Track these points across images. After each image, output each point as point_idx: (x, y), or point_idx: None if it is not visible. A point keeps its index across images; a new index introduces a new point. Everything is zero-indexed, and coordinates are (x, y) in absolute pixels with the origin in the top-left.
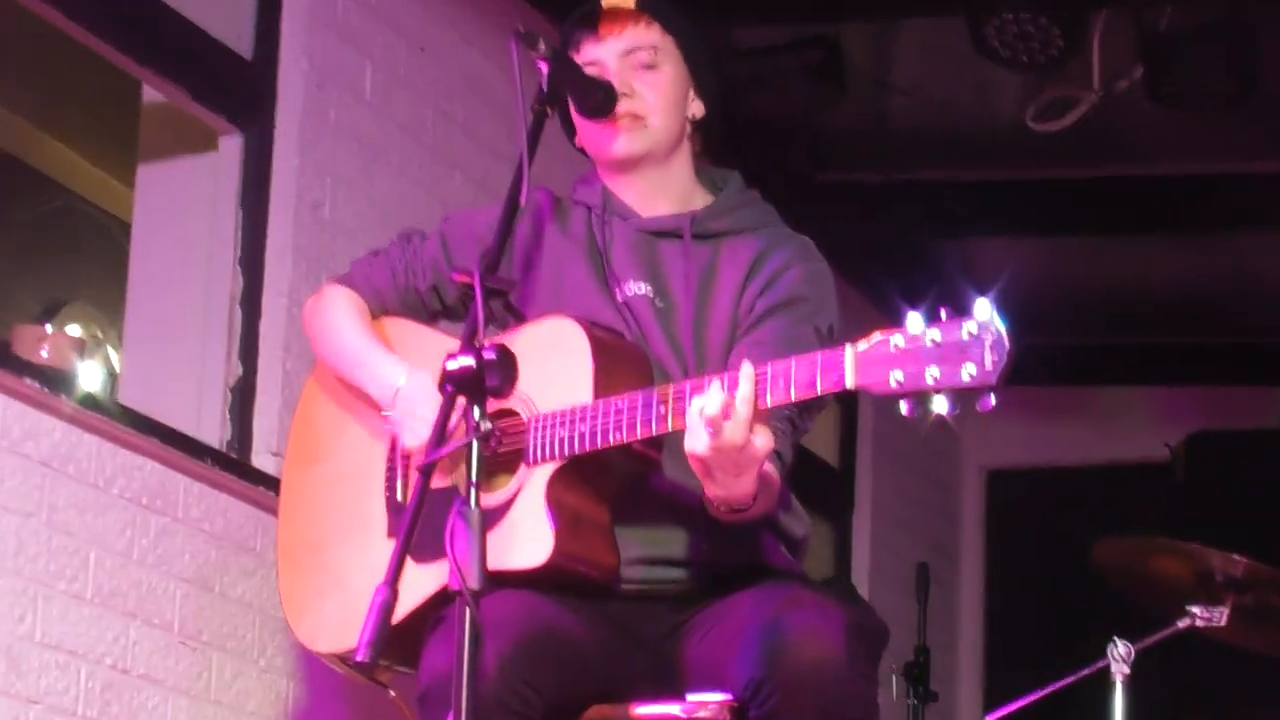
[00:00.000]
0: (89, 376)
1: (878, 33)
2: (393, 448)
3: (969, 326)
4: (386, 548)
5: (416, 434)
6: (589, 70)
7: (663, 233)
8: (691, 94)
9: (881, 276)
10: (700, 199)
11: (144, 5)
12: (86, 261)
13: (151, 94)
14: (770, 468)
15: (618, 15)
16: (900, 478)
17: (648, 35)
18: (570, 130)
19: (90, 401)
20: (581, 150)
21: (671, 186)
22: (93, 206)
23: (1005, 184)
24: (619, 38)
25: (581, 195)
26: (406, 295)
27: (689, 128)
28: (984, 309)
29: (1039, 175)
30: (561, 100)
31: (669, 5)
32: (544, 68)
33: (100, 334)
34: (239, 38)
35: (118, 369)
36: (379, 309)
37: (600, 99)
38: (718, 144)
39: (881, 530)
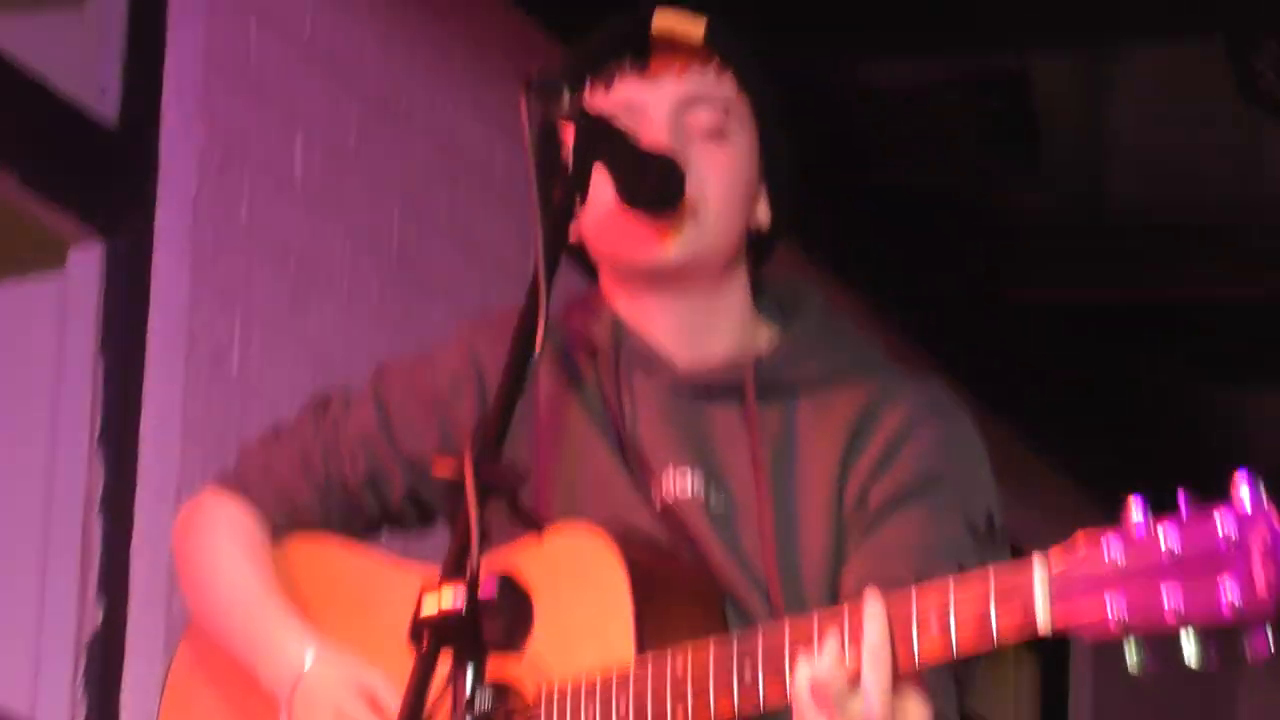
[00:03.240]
0: None
1: (1086, 67)
2: None
3: (1225, 522)
4: None
5: None
6: (621, 116)
7: (712, 390)
8: (761, 189)
9: (1082, 439)
10: (763, 335)
11: None
12: None
13: None
14: None
15: (675, 46)
16: None
17: (719, 87)
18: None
19: None
20: (571, 251)
21: (722, 318)
22: None
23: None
24: (679, 79)
25: (579, 328)
26: (328, 497)
27: (747, 240)
28: (1246, 492)
29: None
30: (586, 178)
31: (745, 46)
32: (569, 132)
33: None
34: (99, 93)
35: None
36: (285, 522)
37: (661, 182)
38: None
39: None
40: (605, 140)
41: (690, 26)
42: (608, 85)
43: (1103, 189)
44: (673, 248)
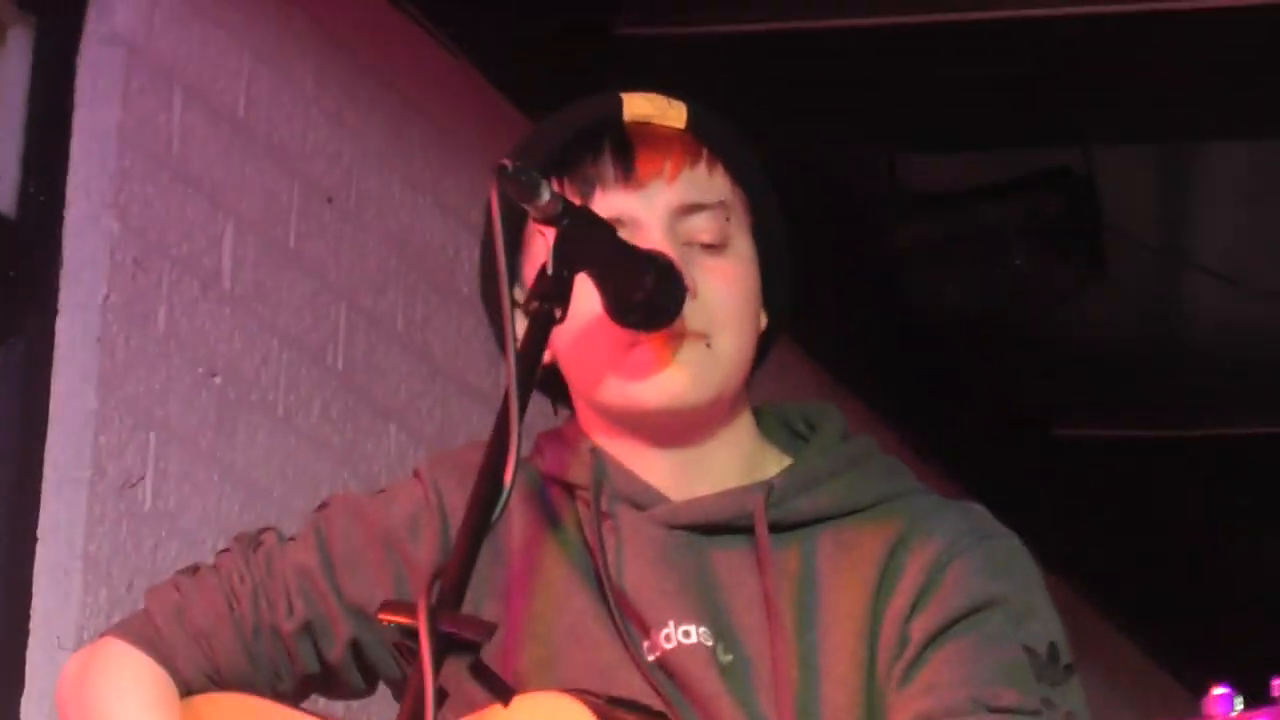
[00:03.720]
0: None
1: (1162, 161)
2: None
3: None
4: None
5: None
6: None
7: (715, 527)
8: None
9: (1166, 608)
10: (772, 463)
11: None
12: None
13: None
14: None
15: (657, 140)
16: None
17: (713, 188)
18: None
19: None
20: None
21: (725, 450)
22: None
23: None
24: (671, 185)
25: (554, 466)
26: (255, 647)
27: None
28: None
29: None
30: (567, 288)
31: (731, 129)
32: (547, 234)
33: None
34: None
35: None
36: (199, 676)
37: (657, 289)
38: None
39: None
40: (594, 243)
41: (669, 111)
42: (585, 194)
43: (1186, 310)
44: (685, 383)
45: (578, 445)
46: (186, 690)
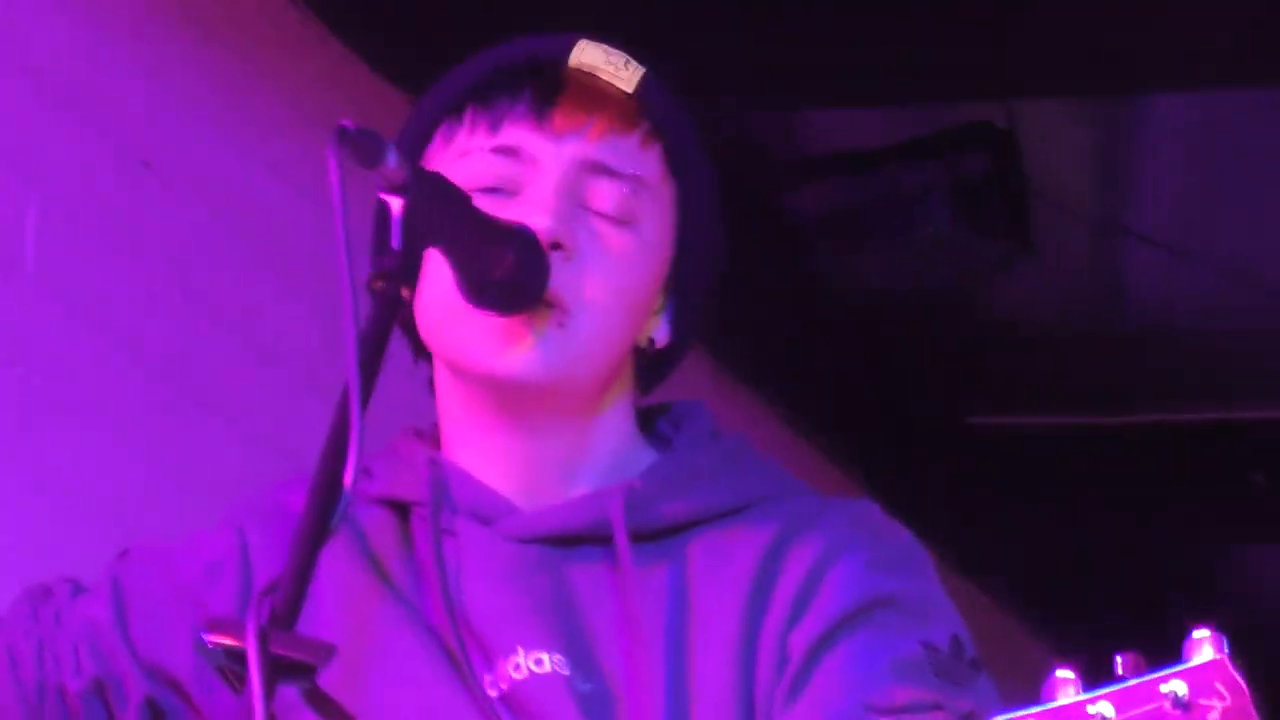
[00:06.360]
0: None
1: (1096, 116)
2: None
3: (1176, 687)
4: None
5: None
6: (485, 165)
7: (570, 539)
8: (660, 299)
9: (1047, 585)
10: (636, 460)
11: None
12: None
13: None
14: None
15: (595, 95)
16: None
17: (636, 162)
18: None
19: None
20: (406, 331)
21: (589, 456)
22: None
23: None
24: (588, 141)
25: (385, 485)
26: (39, 708)
27: (633, 358)
28: (1207, 646)
29: None
30: (415, 264)
31: (686, 114)
32: (394, 205)
33: None
34: None
35: None
36: None
37: (518, 267)
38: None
39: None
40: (444, 217)
41: (622, 71)
42: (493, 124)
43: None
44: (528, 357)
45: (412, 460)
46: None
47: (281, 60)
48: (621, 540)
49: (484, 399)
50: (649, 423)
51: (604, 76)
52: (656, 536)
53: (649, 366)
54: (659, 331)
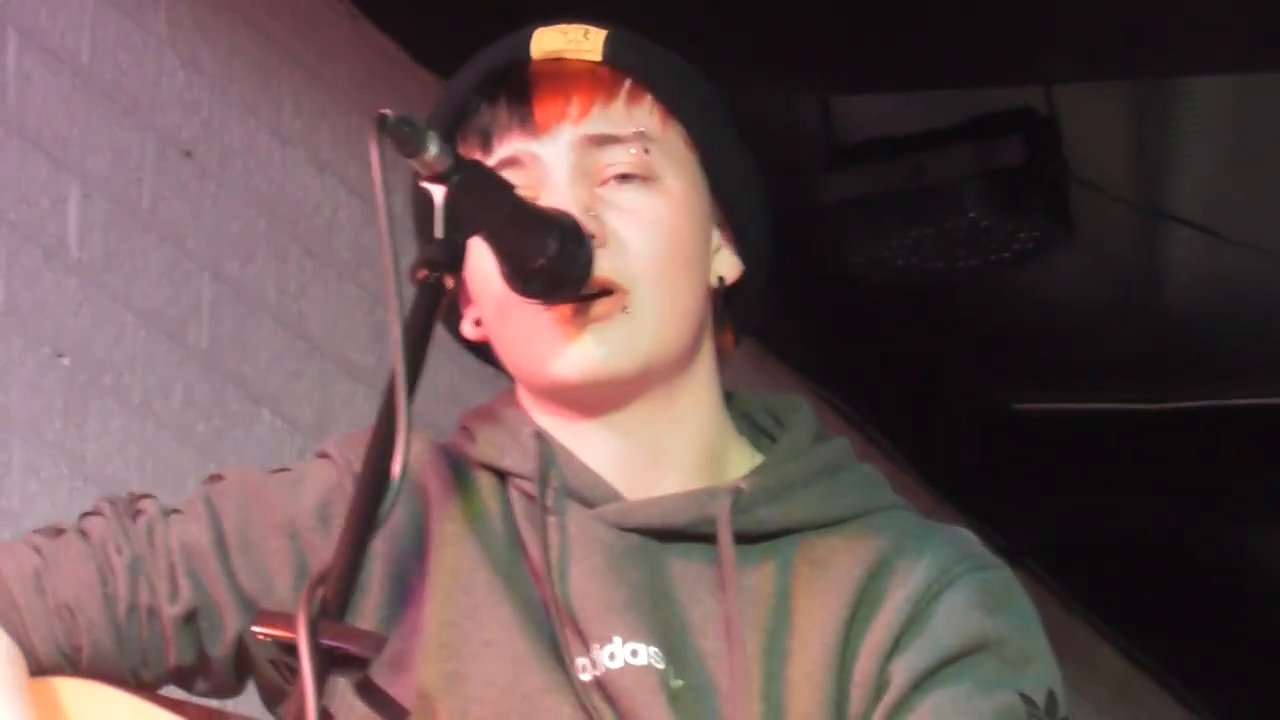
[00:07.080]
0: None
1: (1134, 101)
2: None
3: None
4: None
5: None
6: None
7: (672, 534)
8: (718, 237)
9: (1091, 570)
10: (740, 459)
11: None
12: None
13: None
14: None
15: (566, 77)
16: None
17: (630, 117)
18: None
19: None
20: (471, 348)
21: (682, 435)
22: None
23: None
24: (577, 124)
25: (489, 453)
26: (127, 628)
27: (712, 306)
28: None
29: None
30: (459, 253)
31: (670, 56)
32: (437, 192)
33: None
34: None
35: None
36: (54, 656)
37: (560, 255)
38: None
39: None
40: (486, 204)
41: (584, 43)
42: (484, 143)
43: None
44: (595, 353)
45: (517, 428)
46: (38, 669)
47: (321, 48)
48: (725, 541)
49: (565, 402)
50: (744, 411)
51: (569, 55)
52: (758, 540)
53: (733, 305)
54: (726, 266)
